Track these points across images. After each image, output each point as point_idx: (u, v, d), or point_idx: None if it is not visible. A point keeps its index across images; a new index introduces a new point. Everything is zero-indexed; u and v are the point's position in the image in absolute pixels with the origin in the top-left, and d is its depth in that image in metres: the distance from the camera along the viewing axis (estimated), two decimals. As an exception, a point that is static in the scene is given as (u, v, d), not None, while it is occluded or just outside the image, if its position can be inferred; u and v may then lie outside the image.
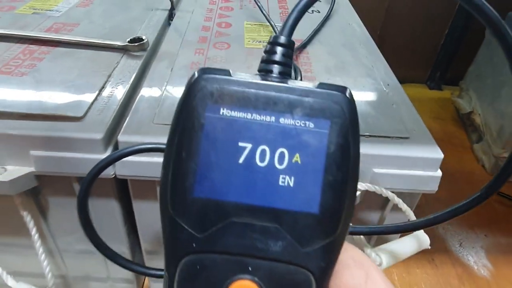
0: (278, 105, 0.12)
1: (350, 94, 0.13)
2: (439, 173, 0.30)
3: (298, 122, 0.12)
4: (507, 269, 0.53)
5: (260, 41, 0.45)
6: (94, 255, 0.39)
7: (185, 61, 0.39)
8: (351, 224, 0.15)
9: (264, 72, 0.14)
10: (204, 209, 0.12)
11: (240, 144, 0.12)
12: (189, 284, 0.13)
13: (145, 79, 0.36)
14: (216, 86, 0.12)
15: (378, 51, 0.45)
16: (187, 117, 0.12)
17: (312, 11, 0.54)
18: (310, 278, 0.13)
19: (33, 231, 0.33)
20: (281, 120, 0.12)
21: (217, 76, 0.13)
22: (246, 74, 0.13)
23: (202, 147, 0.12)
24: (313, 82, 0.13)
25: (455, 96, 0.84)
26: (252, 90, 0.12)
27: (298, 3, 0.15)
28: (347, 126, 0.12)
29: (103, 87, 0.34)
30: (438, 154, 0.30)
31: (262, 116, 0.12)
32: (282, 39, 0.15)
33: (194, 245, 0.13)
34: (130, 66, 0.38)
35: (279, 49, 0.14)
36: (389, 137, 0.31)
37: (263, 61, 0.15)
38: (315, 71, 0.40)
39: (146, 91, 0.34)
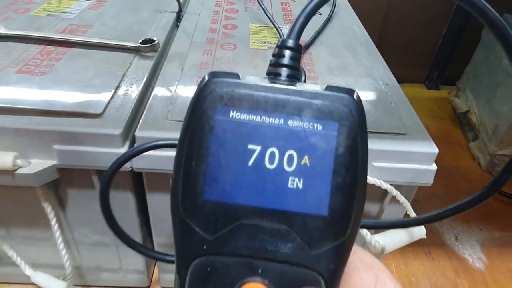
0: (286, 108, 0.13)
1: (358, 97, 0.13)
2: (434, 166, 0.32)
3: (306, 125, 0.12)
4: (501, 262, 0.55)
5: (265, 42, 0.47)
6: (108, 247, 0.41)
7: (195, 61, 0.41)
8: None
9: (273, 75, 0.14)
10: (214, 211, 0.13)
11: (250, 146, 0.12)
12: (200, 286, 0.13)
13: (157, 79, 0.38)
14: (225, 90, 0.13)
15: (378, 52, 0.47)
16: (197, 120, 0.13)
17: (314, 13, 0.56)
18: (319, 280, 0.13)
19: (53, 221, 0.35)
20: (290, 122, 0.12)
21: (227, 79, 0.13)
22: (255, 78, 0.13)
23: (212, 150, 0.12)
24: (321, 85, 0.13)
25: (452, 95, 0.85)
26: (261, 93, 0.13)
27: (305, 7, 0.15)
28: (355, 128, 0.12)
29: (118, 86, 0.36)
30: (433, 149, 0.32)
31: (271, 119, 0.12)
32: (290, 43, 0.15)
33: (204, 247, 0.13)
34: (143, 66, 0.40)
35: (287, 53, 0.15)
36: (387, 133, 0.33)
37: (271, 64, 0.15)
38: (317, 71, 0.42)
39: (159, 90, 0.36)
